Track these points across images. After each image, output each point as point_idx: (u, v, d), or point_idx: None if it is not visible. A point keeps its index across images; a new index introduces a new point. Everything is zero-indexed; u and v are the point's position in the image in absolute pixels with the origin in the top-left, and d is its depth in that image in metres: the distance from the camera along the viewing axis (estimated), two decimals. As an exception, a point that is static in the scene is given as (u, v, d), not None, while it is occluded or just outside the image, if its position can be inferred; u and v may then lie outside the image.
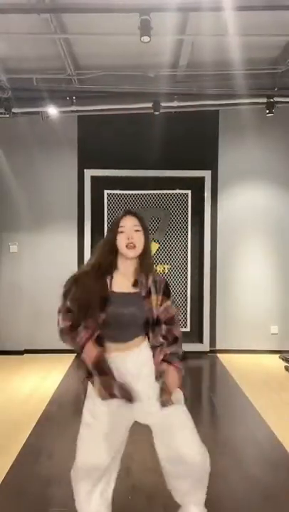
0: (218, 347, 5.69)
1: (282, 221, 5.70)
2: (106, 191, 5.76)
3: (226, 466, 2.74)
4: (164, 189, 5.77)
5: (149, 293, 1.78)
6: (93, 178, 5.69)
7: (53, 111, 5.01)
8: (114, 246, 1.76)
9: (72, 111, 5.08)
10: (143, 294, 1.77)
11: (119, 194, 5.78)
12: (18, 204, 5.63)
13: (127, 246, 1.73)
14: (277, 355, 5.48)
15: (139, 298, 1.77)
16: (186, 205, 5.81)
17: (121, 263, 1.80)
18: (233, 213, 5.71)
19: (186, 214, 5.81)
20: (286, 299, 5.73)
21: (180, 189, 5.80)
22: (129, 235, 1.74)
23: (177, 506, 1.92)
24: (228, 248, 5.71)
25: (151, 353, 1.79)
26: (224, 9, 3.32)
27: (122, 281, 1.78)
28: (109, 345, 1.75)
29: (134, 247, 1.73)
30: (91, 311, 1.69)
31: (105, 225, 5.73)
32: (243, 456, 2.93)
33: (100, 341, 1.71)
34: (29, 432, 3.23)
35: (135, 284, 1.77)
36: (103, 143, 5.60)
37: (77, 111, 5.10)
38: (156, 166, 5.58)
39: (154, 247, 5.77)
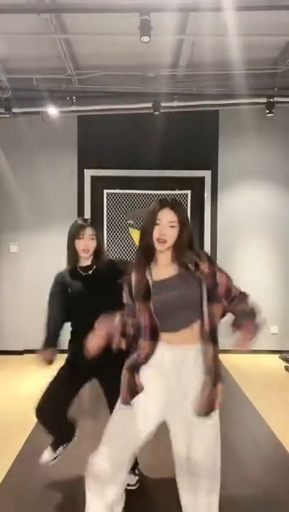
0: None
1: (282, 221, 5.70)
2: (106, 191, 5.76)
3: (225, 466, 2.74)
4: (164, 189, 5.77)
5: (197, 266, 1.75)
6: (93, 178, 5.69)
7: (53, 111, 5.01)
8: (151, 237, 1.74)
9: (72, 111, 5.08)
10: (189, 271, 1.74)
11: (119, 194, 5.78)
12: (18, 204, 5.62)
13: (158, 240, 1.72)
14: (277, 355, 5.48)
15: (187, 277, 1.73)
16: (186, 205, 5.81)
17: (158, 253, 1.78)
18: (233, 213, 5.71)
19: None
20: (286, 299, 5.72)
21: (180, 189, 5.79)
22: (163, 230, 1.72)
23: (178, 506, 1.92)
24: (228, 248, 5.71)
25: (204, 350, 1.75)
26: (224, 9, 3.32)
27: (161, 271, 1.75)
28: (163, 336, 1.71)
29: (165, 241, 1.72)
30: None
31: (105, 225, 5.74)
32: (243, 456, 2.93)
33: (153, 335, 1.70)
34: (29, 432, 3.23)
35: (184, 266, 1.74)
36: (103, 143, 5.59)
37: (77, 111, 5.10)
38: (156, 166, 5.57)
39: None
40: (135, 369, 1.73)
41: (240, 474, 2.67)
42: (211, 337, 1.75)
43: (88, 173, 5.66)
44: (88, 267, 2.36)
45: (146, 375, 1.72)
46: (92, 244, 2.33)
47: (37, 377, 4.64)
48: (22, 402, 3.95)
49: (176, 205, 1.76)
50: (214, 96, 4.95)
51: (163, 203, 1.76)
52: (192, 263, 1.74)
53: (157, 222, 1.72)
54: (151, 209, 1.77)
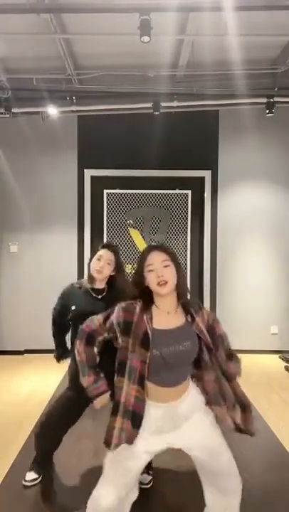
0: (218, 347, 5.68)
1: (282, 221, 5.70)
2: (106, 191, 5.77)
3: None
4: (164, 189, 5.77)
5: (193, 319, 1.70)
6: (93, 178, 5.69)
7: (53, 111, 5.01)
8: (146, 287, 1.67)
9: (73, 111, 5.08)
10: (190, 320, 1.70)
11: (119, 194, 5.78)
12: (18, 204, 5.63)
13: (158, 284, 1.63)
14: (277, 355, 5.48)
15: (189, 330, 1.66)
16: (186, 205, 5.81)
17: (159, 301, 1.69)
18: (233, 213, 5.71)
19: (186, 214, 5.81)
20: (286, 299, 5.73)
21: (180, 189, 5.80)
22: (160, 272, 1.64)
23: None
24: (228, 248, 5.71)
25: (197, 389, 1.73)
26: (224, 9, 3.32)
27: (163, 319, 1.66)
28: (155, 390, 1.63)
29: (166, 283, 1.63)
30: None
31: (105, 225, 5.74)
32: (243, 456, 2.93)
33: (141, 382, 1.60)
34: (29, 432, 3.23)
35: (187, 314, 1.70)
36: (103, 143, 5.59)
37: (77, 111, 5.10)
38: (156, 166, 5.58)
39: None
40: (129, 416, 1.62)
41: (240, 474, 2.66)
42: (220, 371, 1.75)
43: (88, 173, 5.67)
44: (100, 291, 2.40)
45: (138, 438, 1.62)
46: (107, 269, 2.36)
47: (37, 378, 4.66)
48: (22, 402, 3.96)
49: (162, 246, 1.74)
50: (214, 96, 4.94)
51: (150, 247, 1.72)
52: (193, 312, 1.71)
53: (150, 268, 1.65)
54: (140, 258, 1.71)
